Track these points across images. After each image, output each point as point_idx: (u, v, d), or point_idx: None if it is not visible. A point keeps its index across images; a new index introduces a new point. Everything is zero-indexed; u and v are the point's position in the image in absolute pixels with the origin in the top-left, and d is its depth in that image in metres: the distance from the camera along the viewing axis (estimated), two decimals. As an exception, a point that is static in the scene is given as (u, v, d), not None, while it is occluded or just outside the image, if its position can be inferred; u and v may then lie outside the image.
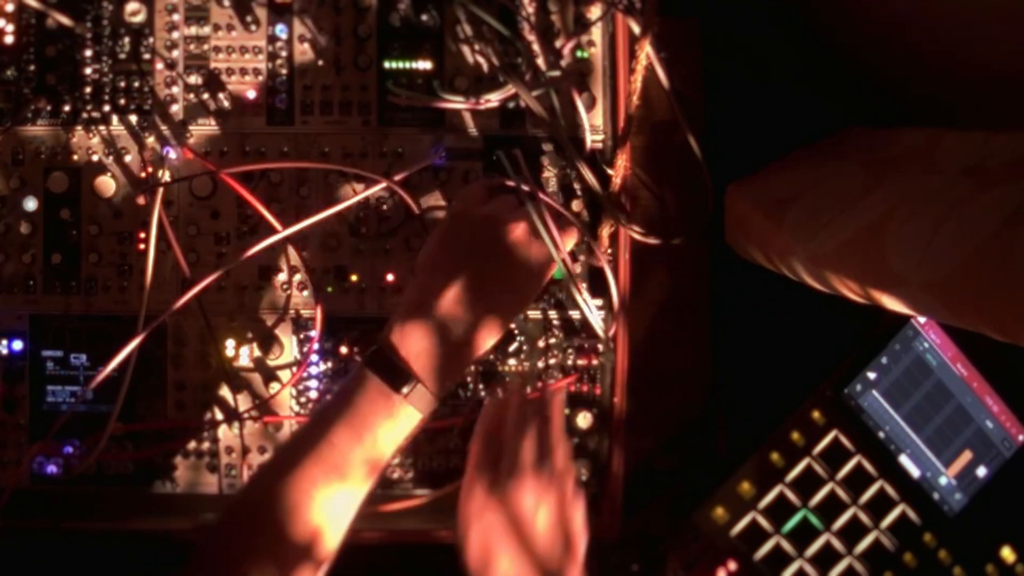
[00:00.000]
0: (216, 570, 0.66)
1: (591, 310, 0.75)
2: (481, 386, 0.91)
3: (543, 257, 0.79)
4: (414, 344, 0.72)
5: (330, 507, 0.69)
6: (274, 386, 0.89)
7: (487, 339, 0.75)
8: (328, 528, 0.69)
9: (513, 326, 0.91)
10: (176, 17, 0.88)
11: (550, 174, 0.90)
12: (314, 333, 0.89)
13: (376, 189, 0.86)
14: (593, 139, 0.90)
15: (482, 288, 0.74)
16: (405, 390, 0.70)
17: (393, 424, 0.70)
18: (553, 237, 0.74)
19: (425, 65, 0.90)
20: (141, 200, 0.87)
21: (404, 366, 0.71)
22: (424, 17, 0.90)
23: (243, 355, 0.89)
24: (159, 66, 0.88)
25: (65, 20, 0.86)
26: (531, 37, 0.89)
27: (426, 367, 0.71)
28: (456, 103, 0.87)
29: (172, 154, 0.87)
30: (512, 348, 0.90)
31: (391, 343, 0.72)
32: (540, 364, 0.92)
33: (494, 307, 0.75)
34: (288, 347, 0.90)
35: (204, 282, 0.83)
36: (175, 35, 0.88)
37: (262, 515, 0.67)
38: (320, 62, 0.89)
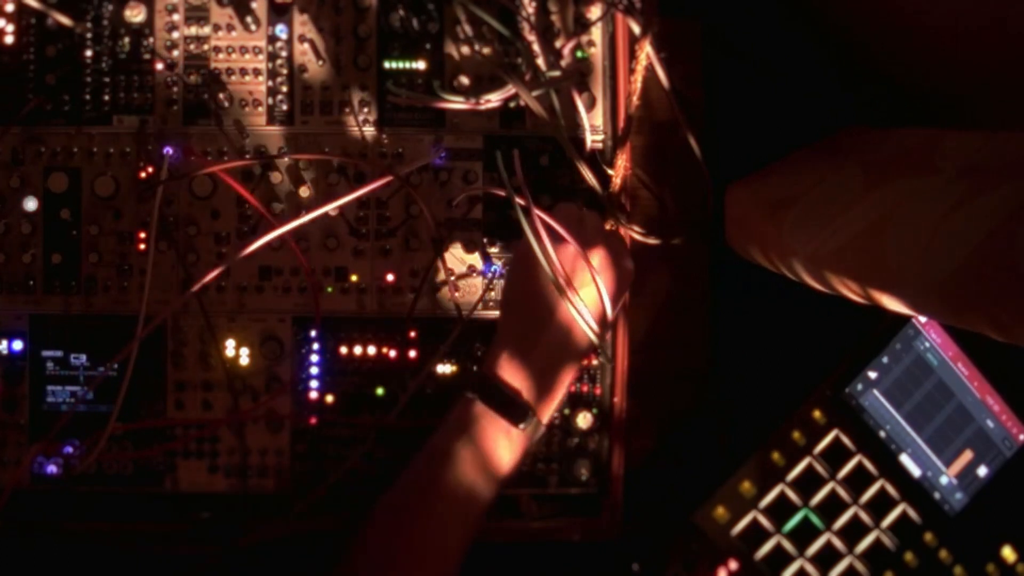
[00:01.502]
0: None
1: (587, 324, 0.75)
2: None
3: (623, 279, 0.81)
4: (524, 378, 0.74)
5: (458, 540, 0.73)
6: (274, 386, 0.89)
7: (581, 361, 0.79)
8: (457, 560, 0.73)
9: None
10: (176, 17, 0.88)
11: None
12: (314, 333, 0.89)
13: (381, 183, 0.86)
14: (593, 139, 0.90)
15: (568, 316, 0.75)
16: (523, 425, 0.74)
17: (512, 455, 0.74)
18: (546, 250, 0.73)
19: (425, 65, 0.90)
20: (141, 200, 0.87)
21: (521, 402, 0.74)
22: (424, 17, 0.89)
23: (243, 355, 0.89)
24: (159, 66, 0.88)
25: (65, 20, 0.86)
26: (531, 37, 0.89)
27: (537, 399, 0.75)
28: (456, 103, 0.87)
29: (172, 153, 0.87)
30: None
31: (501, 378, 0.74)
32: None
33: (580, 331, 0.77)
34: (288, 347, 0.90)
35: (205, 279, 0.83)
36: (175, 35, 0.88)
37: (394, 557, 0.71)
38: (320, 62, 0.89)
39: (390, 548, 0.71)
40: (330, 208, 0.85)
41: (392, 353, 0.90)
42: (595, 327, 0.76)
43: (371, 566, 0.71)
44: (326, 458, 0.90)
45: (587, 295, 0.76)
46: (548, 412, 0.77)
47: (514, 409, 0.74)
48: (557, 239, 0.76)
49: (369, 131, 0.90)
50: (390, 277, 0.90)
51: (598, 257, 0.77)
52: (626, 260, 0.82)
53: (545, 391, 0.75)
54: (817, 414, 0.96)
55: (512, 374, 0.75)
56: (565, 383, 0.77)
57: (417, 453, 0.76)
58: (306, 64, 0.89)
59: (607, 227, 0.88)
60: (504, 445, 0.74)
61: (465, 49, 0.90)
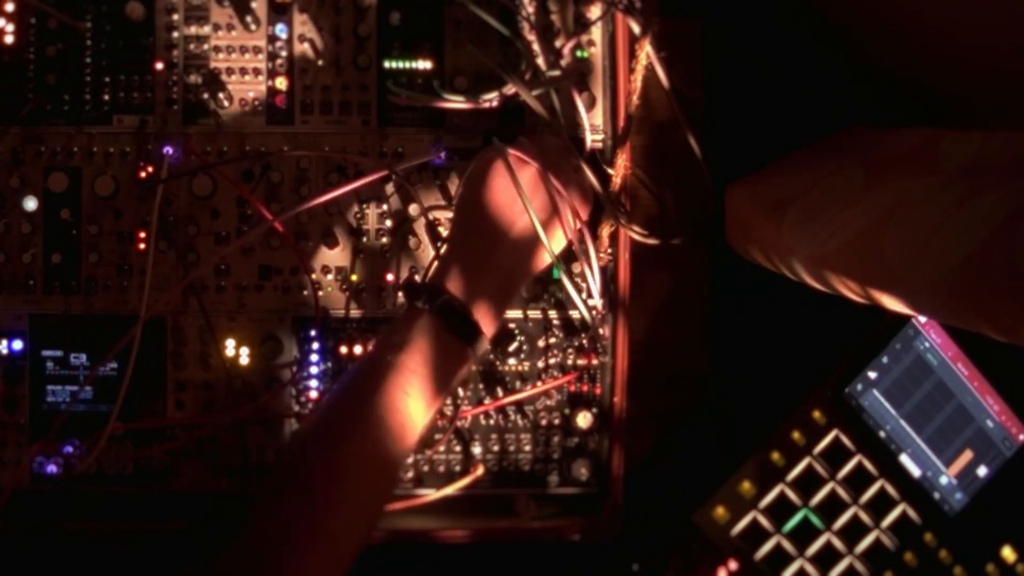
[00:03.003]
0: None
1: (578, 297, 0.76)
2: (481, 386, 0.91)
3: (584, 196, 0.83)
4: (476, 293, 0.73)
5: (396, 454, 0.69)
6: (274, 386, 0.89)
7: (530, 278, 0.79)
8: (393, 476, 0.71)
9: (513, 326, 0.91)
10: (176, 17, 0.88)
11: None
12: (314, 333, 0.89)
13: (377, 177, 0.86)
14: (593, 139, 0.90)
15: (526, 234, 0.76)
16: (471, 342, 0.72)
17: (457, 372, 0.73)
18: (533, 213, 0.75)
19: (425, 65, 0.90)
20: (141, 199, 0.87)
21: (471, 318, 0.72)
22: (424, 17, 0.89)
23: (243, 355, 0.89)
24: (159, 66, 0.88)
25: (65, 20, 0.86)
26: (531, 37, 0.89)
27: (486, 315, 0.73)
28: (456, 103, 0.87)
29: (172, 153, 0.87)
30: (512, 348, 0.90)
31: (453, 292, 0.73)
32: (540, 364, 0.92)
33: (536, 253, 0.77)
34: (288, 347, 0.90)
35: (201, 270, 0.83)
36: (175, 35, 0.88)
37: (333, 466, 0.67)
38: (320, 62, 0.89)
39: (329, 457, 0.67)
40: (323, 200, 0.84)
41: (392, 353, 0.90)
42: (586, 308, 0.78)
43: (308, 475, 0.66)
44: (326, 458, 0.90)
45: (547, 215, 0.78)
46: (494, 329, 0.75)
47: (464, 325, 0.72)
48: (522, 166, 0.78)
49: (369, 131, 0.90)
50: (390, 277, 0.90)
51: (563, 179, 0.79)
52: (583, 178, 0.84)
53: (495, 307, 0.74)
54: (817, 414, 0.96)
55: (463, 289, 0.73)
56: (512, 299, 0.77)
57: (357, 362, 0.73)
58: (306, 64, 0.89)
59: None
60: (451, 360, 0.72)
61: (465, 49, 0.90)
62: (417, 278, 0.90)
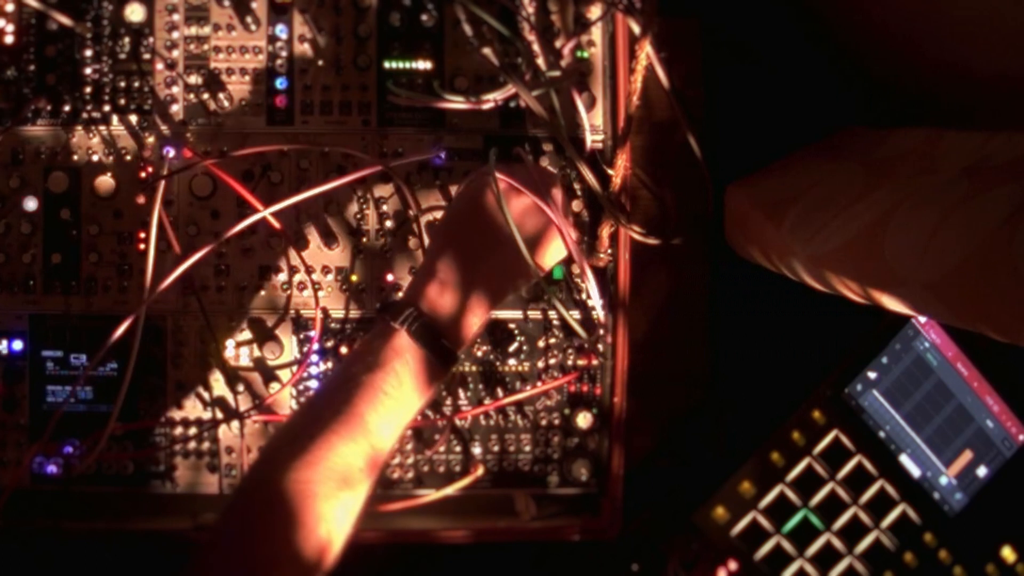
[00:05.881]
0: (237, 558, 0.63)
1: (570, 315, 0.76)
2: (481, 386, 0.91)
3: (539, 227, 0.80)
4: (452, 314, 0.72)
5: (366, 476, 0.68)
6: (274, 386, 0.89)
7: (506, 298, 0.78)
8: (364, 496, 0.68)
9: (513, 326, 0.91)
10: (176, 17, 0.88)
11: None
12: (314, 333, 0.89)
13: (371, 171, 0.86)
14: (593, 139, 0.90)
15: (507, 258, 0.75)
16: (445, 363, 0.72)
17: (429, 392, 0.72)
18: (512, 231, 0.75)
19: (425, 65, 0.90)
20: (141, 199, 0.87)
21: (447, 340, 0.72)
22: (424, 17, 0.89)
23: (243, 355, 0.89)
24: (159, 66, 0.88)
25: (65, 20, 0.86)
26: (531, 37, 0.89)
27: (459, 339, 0.73)
28: (456, 103, 0.87)
29: (172, 153, 0.87)
30: (512, 348, 0.90)
31: (430, 311, 0.72)
32: (540, 364, 0.92)
33: (519, 274, 0.77)
34: (288, 347, 0.90)
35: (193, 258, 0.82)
36: (175, 35, 0.88)
37: (278, 509, 0.64)
38: (320, 62, 0.89)
39: (303, 480, 0.64)
40: (316, 192, 0.84)
41: (392, 353, 0.90)
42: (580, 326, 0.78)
43: (278, 497, 0.64)
44: (326, 458, 0.89)
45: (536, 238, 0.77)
46: (466, 347, 0.75)
47: (441, 347, 0.71)
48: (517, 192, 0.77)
49: (369, 131, 0.90)
50: (390, 277, 0.90)
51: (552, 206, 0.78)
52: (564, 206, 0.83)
53: (469, 328, 0.74)
54: (817, 414, 0.96)
55: (441, 308, 0.72)
56: (486, 320, 0.76)
57: (326, 380, 0.71)
58: (306, 64, 0.89)
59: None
60: (424, 381, 0.71)
61: (465, 49, 0.90)
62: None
